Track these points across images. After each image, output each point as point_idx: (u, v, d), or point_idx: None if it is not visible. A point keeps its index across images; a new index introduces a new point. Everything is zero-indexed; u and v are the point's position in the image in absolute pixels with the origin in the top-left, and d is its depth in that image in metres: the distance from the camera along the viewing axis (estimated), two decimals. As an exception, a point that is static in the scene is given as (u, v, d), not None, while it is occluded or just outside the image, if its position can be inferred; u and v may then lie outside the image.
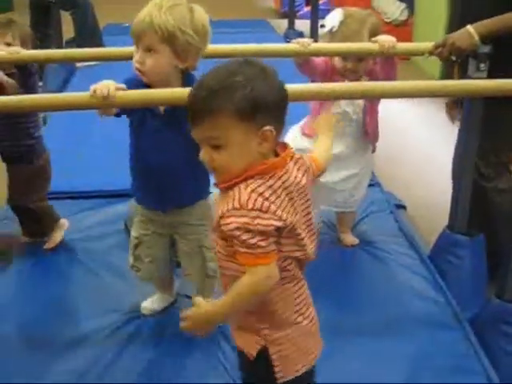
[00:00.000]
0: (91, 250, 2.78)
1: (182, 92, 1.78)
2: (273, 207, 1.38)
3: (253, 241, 1.36)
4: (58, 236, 2.85)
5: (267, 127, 1.38)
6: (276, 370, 1.50)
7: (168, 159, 2.04)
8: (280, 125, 1.42)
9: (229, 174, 1.41)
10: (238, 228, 1.36)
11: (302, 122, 2.77)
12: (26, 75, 2.53)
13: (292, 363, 1.52)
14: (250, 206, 1.36)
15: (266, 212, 1.36)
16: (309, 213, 1.51)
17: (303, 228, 1.48)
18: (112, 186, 3.24)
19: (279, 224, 1.38)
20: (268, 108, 1.38)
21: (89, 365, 2.13)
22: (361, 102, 2.63)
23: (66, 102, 1.99)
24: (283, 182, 1.42)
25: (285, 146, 1.48)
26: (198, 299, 1.45)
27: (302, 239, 1.47)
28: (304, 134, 2.68)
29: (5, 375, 2.10)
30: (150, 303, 2.40)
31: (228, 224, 1.37)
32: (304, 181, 1.48)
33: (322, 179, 2.67)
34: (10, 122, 2.61)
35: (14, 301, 2.49)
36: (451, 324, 2.35)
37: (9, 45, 2.52)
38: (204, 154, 1.41)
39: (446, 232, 2.65)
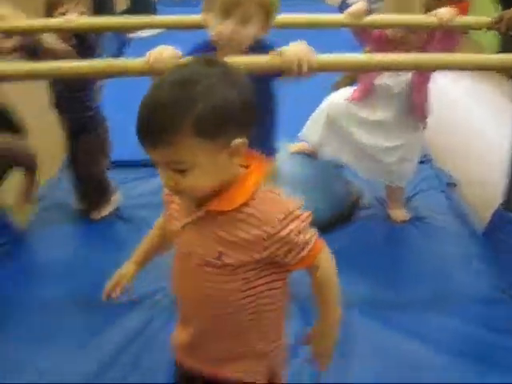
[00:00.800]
0: (143, 218, 2.82)
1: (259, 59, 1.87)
2: (295, 200, 1.29)
3: (307, 235, 1.27)
4: (109, 208, 2.92)
5: (238, 140, 1.18)
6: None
7: None
8: (250, 131, 1.22)
9: (203, 194, 1.23)
10: (296, 235, 1.25)
11: (346, 92, 2.80)
12: (85, 47, 2.56)
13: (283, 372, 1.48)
14: (291, 208, 1.25)
15: (299, 206, 1.28)
16: None
17: None
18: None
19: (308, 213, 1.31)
20: (236, 117, 1.17)
21: (143, 326, 2.20)
22: (407, 76, 2.60)
23: (122, 67, 1.99)
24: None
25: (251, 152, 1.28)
26: (311, 332, 1.39)
27: None
28: (352, 100, 2.74)
29: (60, 334, 2.18)
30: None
31: (283, 238, 1.24)
32: None
33: (365, 141, 2.72)
34: (70, 94, 2.67)
35: (69, 266, 2.56)
36: (502, 301, 2.33)
37: (83, 13, 2.53)
38: (167, 180, 1.20)
39: (501, 210, 2.62)
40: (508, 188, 2.58)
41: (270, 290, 1.32)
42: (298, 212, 1.26)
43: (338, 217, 2.77)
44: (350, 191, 2.95)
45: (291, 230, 1.24)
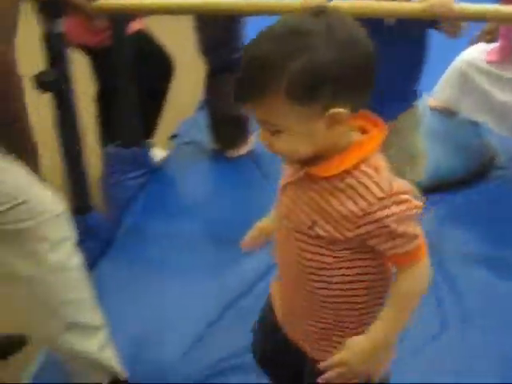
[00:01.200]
0: (275, 161, 2.86)
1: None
2: (410, 187, 1.14)
3: (412, 229, 1.11)
4: (246, 148, 2.99)
5: (336, 109, 1.05)
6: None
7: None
8: (361, 97, 1.09)
9: (300, 158, 1.13)
10: (394, 220, 1.09)
11: (480, 48, 2.73)
12: None
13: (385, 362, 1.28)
14: (395, 190, 1.09)
15: (407, 192, 1.11)
16: None
17: None
18: None
19: (421, 205, 1.13)
20: (336, 82, 1.03)
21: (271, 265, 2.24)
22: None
23: (271, 6, 2.00)
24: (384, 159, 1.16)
25: (372, 117, 1.16)
26: (351, 341, 1.17)
27: None
28: (488, 61, 2.67)
29: (191, 268, 2.27)
30: None
31: (379, 220, 1.09)
32: None
33: (503, 99, 2.62)
34: (216, 35, 2.75)
35: (201, 202, 2.66)
36: None
37: None
38: (262, 137, 1.12)
39: None
40: None
41: (362, 279, 1.19)
42: (404, 197, 1.10)
43: (472, 174, 2.73)
44: (485, 149, 2.89)
45: (391, 214, 1.08)
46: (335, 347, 1.21)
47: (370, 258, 1.17)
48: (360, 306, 1.21)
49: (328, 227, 1.13)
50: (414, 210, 1.10)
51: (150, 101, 2.73)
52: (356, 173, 1.09)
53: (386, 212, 1.08)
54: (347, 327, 1.23)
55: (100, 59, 2.60)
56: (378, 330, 1.15)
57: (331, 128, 1.06)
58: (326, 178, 1.11)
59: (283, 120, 1.06)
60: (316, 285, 1.20)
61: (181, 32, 3.07)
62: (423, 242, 1.14)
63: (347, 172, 1.10)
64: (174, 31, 3.16)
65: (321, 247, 1.15)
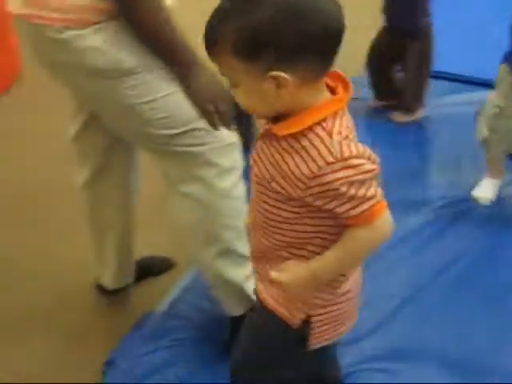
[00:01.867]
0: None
1: None
2: (367, 150, 1.14)
3: (362, 192, 1.12)
4: (418, 114, 3.25)
5: (275, 73, 1.06)
6: (311, 337, 1.34)
7: None
8: (312, 66, 1.09)
9: (263, 117, 1.19)
10: (342, 184, 1.11)
11: None
12: None
13: (325, 332, 1.35)
14: (347, 155, 1.10)
15: (362, 156, 1.12)
16: None
17: None
18: (478, 73, 3.44)
19: (376, 168, 1.14)
20: (280, 46, 1.04)
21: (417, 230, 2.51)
22: None
23: None
24: (349, 120, 1.18)
25: (338, 76, 1.18)
26: (288, 263, 1.25)
27: None
28: None
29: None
30: (480, 192, 2.68)
31: (327, 183, 1.11)
32: None
33: None
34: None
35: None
36: None
37: None
38: (230, 90, 1.17)
39: None
40: None
41: (322, 238, 1.23)
42: (356, 161, 1.10)
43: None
44: None
45: (339, 178, 1.10)
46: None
47: (328, 218, 1.19)
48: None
49: (284, 184, 1.16)
50: (367, 174, 1.11)
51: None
52: (311, 135, 1.11)
53: (335, 176, 1.10)
54: None
55: None
56: (318, 263, 1.21)
57: (279, 90, 1.08)
58: (284, 138, 1.14)
59: (234, 74, 1.10)
60: (274, 236, 1.26)
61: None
62: (379, 204, 1.15)
63: (303, 133, 1.11)
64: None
65: (279, 201, 1.20)
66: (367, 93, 3.35)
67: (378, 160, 1.15)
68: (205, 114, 1.66)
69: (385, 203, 1.16)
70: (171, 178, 1.80)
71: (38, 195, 2.87)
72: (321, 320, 1.32)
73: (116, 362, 2.00)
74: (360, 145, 1.13)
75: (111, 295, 2.29)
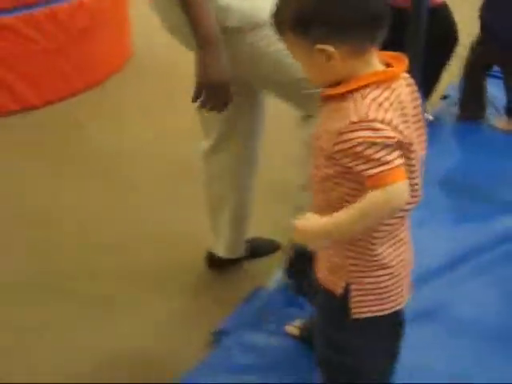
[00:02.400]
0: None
1: None
2: (395, 120, 1.21)
3: (378, 155, 1.19)
4: None
5: (322, 46, 1.21)
6: (352, 306, 1.39)
7: None
8: (357, 40, 1.22)
9: (319, 85, 1.30)
10: (360, 143, 1.19)
11: None
12: None
13: (366, 303, 1.39)
14: (372, 117, 1.19)
15: (388, 124, 1.19)
16: (422, 147, 1.34)
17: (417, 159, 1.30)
18: None
19: (401, 137, 1.21)
20: (325, 24, 1.20)
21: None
22: None
23: None
24: (397, 96, 1.26)
25: (399, 57, 1.30)
26: (310, 215, 1.32)
27: (415, 170, 1.29)
28: None
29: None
30: None
31: (348, 140, 1.20)
32: (412, 108, 1.31)
33: None
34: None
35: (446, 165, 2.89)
36: None
37: None
38: None
39: None
40: None
41: (352, 198, 1.27)
42: (378, 125, 1.18)
43: None
44: None
45: (358, 137, 1.18)
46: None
47: (359, 180, 1.25)
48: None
49: (324, 141, 1.26)
50: (386, 140, 1.18)
51: (431, 67, 2.96)
52: (349, 98, 1.22)
53: (356, 134, 1.18)
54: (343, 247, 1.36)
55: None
56: (331, 219, 1.27)
57: (330, 62, 1.22)
58: (331, 99, 1.26)
59: (294, 49, 1.27)
60: (319, 196, 1.35)
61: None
62: (394, 170, 1.20)
63: (344, 96, 1.23)
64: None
65: (323, 159, 1.28)
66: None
67: (405, 132, 1.22)
68: (195, 90, 1.78)
69: (402, 173, 1.21)
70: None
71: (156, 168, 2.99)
72: (359, 289, 1.38)
73: (227, 332, 2.03)
74: (390, 113, 1.20)
75: (223, 265, 2.33)
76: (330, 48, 1.21)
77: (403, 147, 1.22)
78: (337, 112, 1.23)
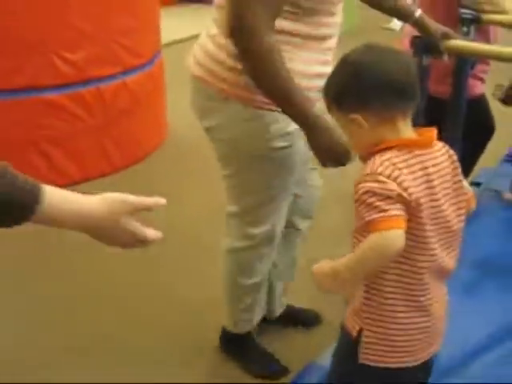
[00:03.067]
0: None
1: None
2: (402, 177, 1.34)
3: (379, 203, 1.32)
4: None
5: (353, 115, 1.40)
6: (361, 351, 1.48)
7: None
8: (385, 112, 1.40)
9: (358, 150, 1.49)
10: (365, 192, 1.34)
11: None
12: None
13: (375, 351, 1.47)
14: (380, 171, 1.34)
15: (394, 180, 1.33)
16: (458, 216, 1.46)
17: (435, 225, 1.40)
18: None
19: (404, 194, 1.33)
20: (351, 96, 1.41)
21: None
22: None
23: None
24: (421, 163, 1.39)
25: (430, 129, 1.45)
26: (325, 261, 1.45)
27: (426, 235, 1.39)
28: None
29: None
30: None
31: (359, 190, 1.36)
32: (450, 175, 1.45)
33: None
34: None
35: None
36: None
37: None
38: None
39: None
40: None
41: None
42: (382, 178, 1.33)
43: None
44: None
45: (364, 187, 1.34)
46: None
47: None
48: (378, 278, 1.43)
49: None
50: (388, 192, 1.32)
51: (468, 153, 2.95)
52: (372, 157, 1.39)
53: (363, 184, 1.35)
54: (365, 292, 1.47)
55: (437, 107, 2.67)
56: (339, 261, 1.40)
57: (360, 129, 1.41)
58: (363, 159, 1.44)
59: (338, 123, 1.49)
60: (352, 248, 1.45)
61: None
62: (391, 219, 1.31)
63: (369, 157, 1.40)
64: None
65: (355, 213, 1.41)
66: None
67: (411, 190, 1.34)
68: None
69: (399, 223, 1.32)
70: None
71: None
72: (370, 336, 1.46)
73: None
74: (400, 172, 1.35)
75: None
76: (358, 117, 1.40)
77: (408, 205, 1.34)
78: (363, 170, 1.39)
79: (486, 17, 2.59)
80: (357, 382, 1.54)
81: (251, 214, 2.09)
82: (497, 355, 2.09)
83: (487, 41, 2.80)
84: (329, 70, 1.65)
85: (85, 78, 3.49)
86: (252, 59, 1.70)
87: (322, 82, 1.60)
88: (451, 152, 1.49)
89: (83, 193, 1.13)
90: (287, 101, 1.73)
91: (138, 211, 1.16)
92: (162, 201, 1.19)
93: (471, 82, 2.72)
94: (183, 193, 3.53)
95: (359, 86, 1.40)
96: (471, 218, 2.73)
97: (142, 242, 1.18)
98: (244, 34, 1.67)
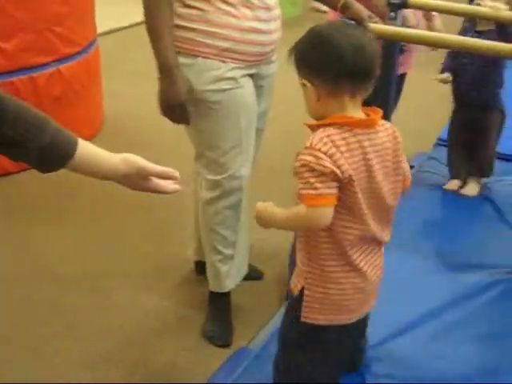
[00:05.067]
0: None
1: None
2: (337, 155, 1.43)
3: (312, 180, 1.43)
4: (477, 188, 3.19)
5: (304, 81, 1.50)
6: (303, 310, 1.60)
7: None
8: (335, 88, 1.47)
9: (312, 117, 1.56)
10: (303, 165, 1.45)
11: None
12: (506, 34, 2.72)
13: (315, 310, 1.60)
14: (318, 147, 1.43)
15: (329, 157, 1.43)
16: (393, 193, 1.57)
17: (369, 200, 1.51)
18: None
19: (337, 171, 1.43)
20: (310, 64, 1.49)
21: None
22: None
23: None
24: (360, 142, 1.47)
25: (376, 111, 1.53)
26: (269, 203, 1.60)
27: (360, 208, 1.50)
28: None
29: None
30: None
31: (298, 160, 1.46)
32: (390, 155, 1.54)
33: None
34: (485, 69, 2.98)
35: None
36: None
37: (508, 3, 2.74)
38: None
39: None
40: None
41: None
42: (320, 155, 1.43)
43: None
44: None
45: (301, 159, 1.45)
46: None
47: None
48: (317, 241, 1.56)
49: None
50: (323, 168, 1.42)
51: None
52: (316, 130, 1.50)
53: (301, 156, 1.46)
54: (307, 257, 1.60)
55: None
56: (275, 213, 1.57)
57: (311, 97, 1.50)
58: (311, 130, 1.52)
59: (301, 83, 1.53)
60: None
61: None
62: (320, 197, 1.44)
63: (315, 129, 1.50)
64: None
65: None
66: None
67: (344, 168, 1.44)
68: (160, 111, 2.10)
69: (328, 201, 1.45)
70: None
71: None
72: (310, 295, 1.59)
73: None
74: (335, 150, 1.44)
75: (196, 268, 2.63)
76: (308, 83, 1.50)
77: (341, 182, 1.45)
78: (306, 141, 1.48)
79: (411, 0, 2.64)
80: (299, 339, 1.65)
81: (214, 161, 2.21)
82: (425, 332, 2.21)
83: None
84: (265, 26, 2.03)
85: (17, 67, 3.44)
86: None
87: (257, 37, 2.03)
88: (397, 134, 1.58)
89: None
90: (155, 42, 2.00)
91: (148, 175, 1.32)
92: (176, 173, 1.34)
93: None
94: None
95: (313, 55, 1.49)
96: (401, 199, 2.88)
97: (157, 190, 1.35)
98: None
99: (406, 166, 1.61)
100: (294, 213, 1.50)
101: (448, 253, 2.72)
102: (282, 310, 2.12)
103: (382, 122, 1.55)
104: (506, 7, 2.69)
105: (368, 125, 1.50)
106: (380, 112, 1.53)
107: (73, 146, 1.24)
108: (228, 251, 2.34)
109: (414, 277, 2.50)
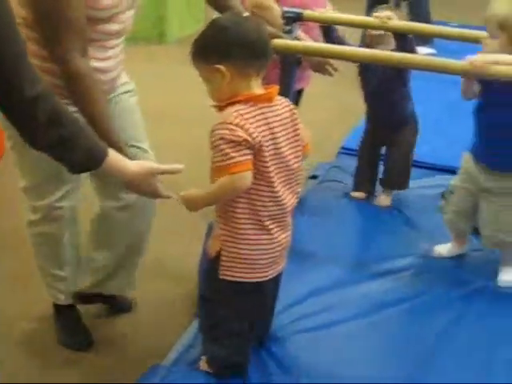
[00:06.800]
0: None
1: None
2: (248, 125, 1.65)
3: (229, 150, 1.64)
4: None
5: (217, 65, 1.67)
6: (220, 268, 1.81)
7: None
8: (243, 67, 1.69)
9: (217, 101, 1.74)
10: (220, 138, 1.65)
11: None
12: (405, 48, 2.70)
13: (231, 269, 1.81)
14: (230, 120, 1.65)
15: (241, 127, 1.64)
16: (296, 157, 1.79)
17: (276, 164, 1.74)
18: (444, 161, 3.48)
19: (249, 138, 1.64)
20: (219, 48, 1.67)
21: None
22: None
23: (441, 65, 2.29)
24: (264, 113, 1.71)
25: (272, 88, 1.75)
26: (193, 189, 1.78)
27: (269, 171, 1.72)
28: None
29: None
30: (442, 248, 2.73)
31: (213, 136, 1.67)
32: (290, 124, 1.78)
33: None
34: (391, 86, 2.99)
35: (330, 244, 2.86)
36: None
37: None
38: None
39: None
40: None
41: None
42: (233, 127, 1.65)
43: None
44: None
45: (218, 134, 1.66)
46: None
47: None
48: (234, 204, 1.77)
49: None
50: (237, 138, 1.64)
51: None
52: (226, 109, 1.70)
53: (216, 131, 1.67)
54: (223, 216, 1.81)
55: None
56: (200, 194, 1.76)
57: (222, 80, 1.68)
58: (219, 111, 1.73)
59: (201, 75, 1.73)
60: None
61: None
62: (237, 164, 1.66)
63: (225, 107, 1.71)
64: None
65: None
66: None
67: (254, 135, 1.66)
68: None
69: (245, 166, 1.67)
70: None
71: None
72: (226, 255, 1.81)
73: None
74: (245, 122, 1.66)
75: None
76: (221, 67, 1.67)
77: (253, 148, 1.67)
78: (218, 120, 1.69)
79: (306, 14, 2.68)
80: (219, 297, 1.87)
81: (33, 189, 2.10)
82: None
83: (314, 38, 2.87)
84: (109, 64, 1.91)
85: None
86: (70, 84, 1.78)
87: (106, 76, 1.92)
88: (292, 106, 1.82)
89: None
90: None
91: (157, 173, 1.71)
92: (179, 167, 1.70)
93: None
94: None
95: (224, 40, 1.68)
96: (305, 209, 2.90)
97: (157, 195, 1.75)
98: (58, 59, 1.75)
99: (304, 133, 1.82)
100: (218, 185, 1.70)
101: (357, 261, 2.75)
102: (194, 324, 2.19)
103: (279, 97, 1.78)
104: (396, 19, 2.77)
105: (268, 98, 1.73)
106: (277, 88, 1.76)
107: (103, 154, 1.57)
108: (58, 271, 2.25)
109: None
